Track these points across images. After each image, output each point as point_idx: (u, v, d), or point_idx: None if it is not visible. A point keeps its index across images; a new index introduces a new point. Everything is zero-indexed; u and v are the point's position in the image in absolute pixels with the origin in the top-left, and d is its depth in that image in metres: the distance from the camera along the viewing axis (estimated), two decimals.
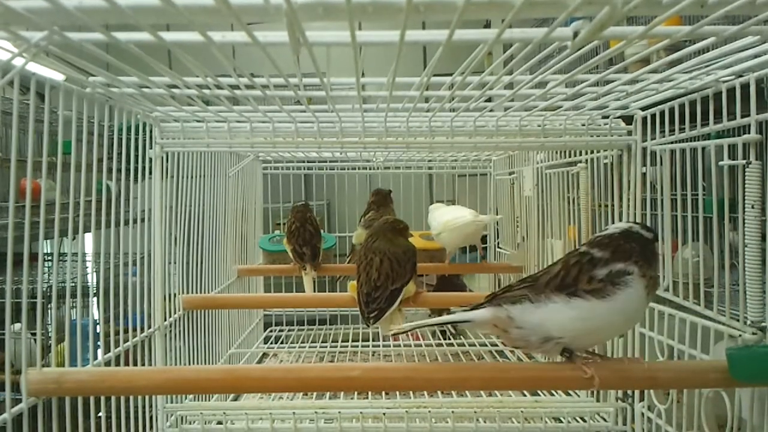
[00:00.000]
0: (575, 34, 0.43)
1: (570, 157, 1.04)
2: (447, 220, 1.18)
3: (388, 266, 0.89)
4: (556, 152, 1.10)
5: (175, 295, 0.97)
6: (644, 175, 0.82)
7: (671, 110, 0.73)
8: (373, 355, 1.36)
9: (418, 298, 0.96)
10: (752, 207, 0.59)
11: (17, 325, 1.33)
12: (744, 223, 0.60)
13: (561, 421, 0.91)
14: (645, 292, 0.53)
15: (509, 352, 1.33)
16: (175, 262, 0.98)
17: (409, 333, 1.53)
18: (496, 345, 1.39)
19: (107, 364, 0.73)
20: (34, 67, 0.51)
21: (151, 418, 0.86)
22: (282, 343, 1.49)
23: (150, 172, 0.85)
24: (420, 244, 1.41)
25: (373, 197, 1.38)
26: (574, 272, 0.53)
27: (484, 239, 1.61)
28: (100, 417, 0.69)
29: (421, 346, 1.38)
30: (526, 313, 0.54)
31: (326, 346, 1.42)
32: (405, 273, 0.90)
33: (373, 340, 1.42)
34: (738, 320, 0.61)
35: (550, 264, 0.59)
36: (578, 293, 0.52)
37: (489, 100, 0.77)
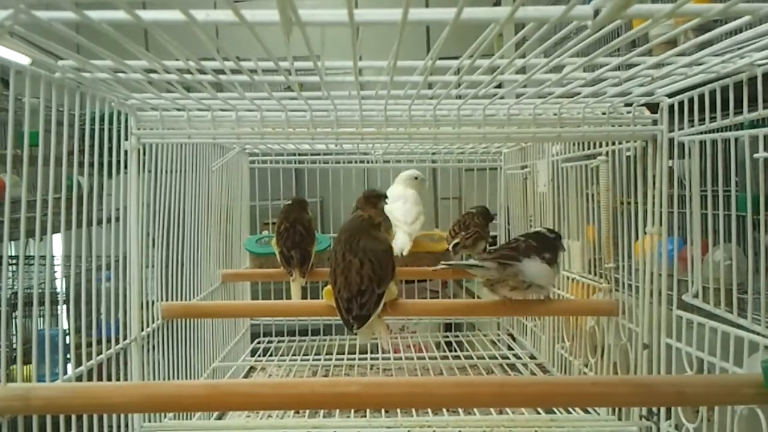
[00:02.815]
0: (596, 13, 0.43)
1: (589, 149, 1.04)
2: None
3: (369, 268, 0.88)
4: (574, 144, 1.10)
5: (153, 302, 0.97)
6: (671, 169, 0.82)
7: (701, 97, 0.73)
8: (371, 368, 1.36)
9: (396, 306, 0.95)
10: None
11: None
12: None
13: None
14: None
15: (522, 366, 1.34)
16: (153, 266, 0.98)
17: (412, 345, 1.54)
18: (507, 358, 1.39)
19: (78, 378, 0.72)
20: None
21: None
22: (271, 355, 1.49)
23: (125, 166, 0.85)
24: (423, 246, 1.41)
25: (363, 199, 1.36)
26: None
27: (493, 240, 1.61)
28: None
29: (424, 358, 1.38)
30: (525, 266, 0.89)
31: (320, 359, 1.42)
32: (387, 274, 0.90)
33: (372, 353, 1.42)
34: None
35: (511, 239, 0.97)
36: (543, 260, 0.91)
37: (499, 86, 0.77)
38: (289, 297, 1.52)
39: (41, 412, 0.60)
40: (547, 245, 0.93)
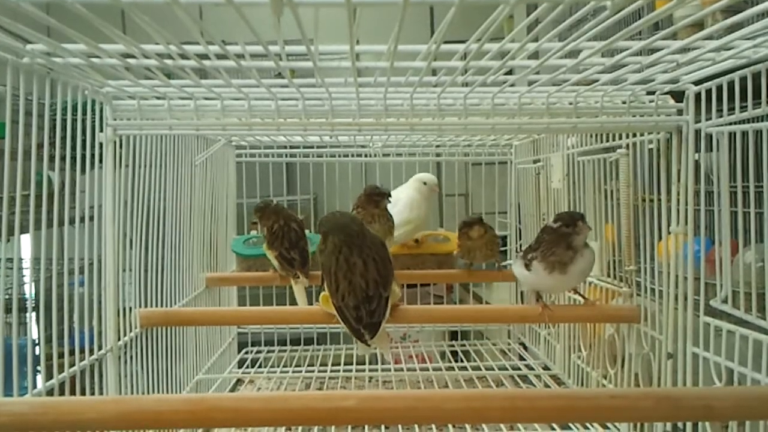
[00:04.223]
0: None
1: (608, 141, 1.04)
2: None
3: (374, 270, 0.87)
4: (591, 135, 1.10)
5: (130, 309, 0.97)
6: (697, 162, 0.82)
7: (730, 85, 0.73)
8: (370, 380, 1.36)
9: (397, 312, 0.93)
10: None
11: None
12: None
13: None
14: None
15: (534, 378, 1.34)
16: (130, 270, 0.98)
17: (414, 355, 1.54)
18: (519, 369, 1.39)
19: (49, 393, 0.72)
20: None
21: None
22: (260, 367, 1.50)
23: (100, 160, 0.85)
24: (427, 248, 1.41)
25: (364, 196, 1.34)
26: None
27: (503, 241, 1.61)
28: None
29: (428, 369, 1.39)
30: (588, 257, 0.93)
31: (314, 371, 1.42)
32: (390, 274, 0.89)
33: (370, 364, 1.43)
34: None
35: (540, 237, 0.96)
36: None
37: (510, 72, 0.77)
38: (278, 302, 1.53)
39: (8, 430, 0.60)
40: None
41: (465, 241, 1.24)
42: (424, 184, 1.42)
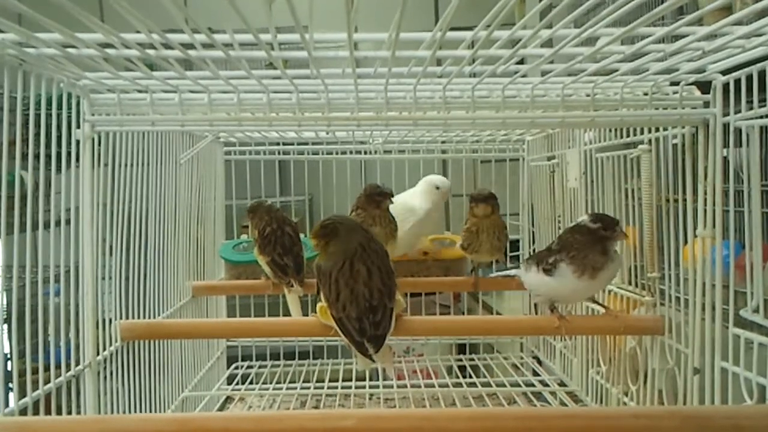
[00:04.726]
0: None
1: (628, 136, 1.04)
2: None
3: (378, 278, 0.87)
4: (610, 130, 1.10)
5: (110, 321, 0.97)
6: (726, 159, 0.82)
7: (761, 74, 0.73)
8: (370, 398, 1.36)
9: (401, 323, 0.92)
10: None
11: None
12: None
13: None
14: None
15: (549, 395, 1.34)
16: (110, 278, 0.98)
17: (419, 370, 1.54)
18: (533, 385, 1.39)
19: (22, 412, 0.72)
20: None
21: None
22: (251, 383, 1.50)
23: (77, 159, 0.85)
24: (432, 253, 1.41)
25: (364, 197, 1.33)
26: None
27: (514, 245, 1.61)
28: None
29: (433, 386, 1.39)
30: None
31: (309, 387, 1.42)
32: (394, 283, 0.89)
33: (371, 380, 1.43)
34: None
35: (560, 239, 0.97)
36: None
37: (522, 62, 0.77)
38: (271, 313, 1.53)
39: None
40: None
41: (470, 218, 1.23)
42: (437, 188, 1.38)
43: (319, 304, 0.92)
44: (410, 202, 1.36)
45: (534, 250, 1.56)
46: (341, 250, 0.88)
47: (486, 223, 1.21)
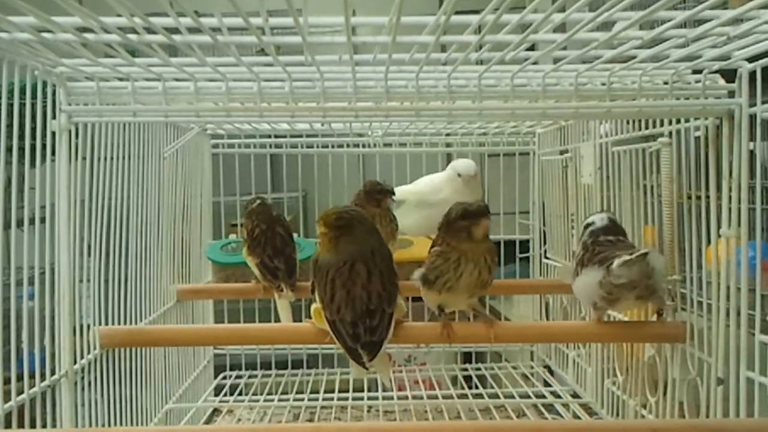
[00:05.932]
0: None
1: (647, 128, 1.04)
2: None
3: (378, 281, 0.87)
4: (628, 122, 1.10)
5: (89, 327, 0.97)
6: (752, 153, 0.82)
7: None
8: (369, 411, 1.36)
9: (400, 330, 0.92)
10: None
11: None
12: None
13: None
14: None
15: (562, 407, 1.34)
16: (88, 281, 0.98)
17: (421, 380, 1.54)
18: (544, 396, 1.39)
19: None
20: None
21: None
22: (240, 394, 1.50)
23: (53, 153, 0.85)
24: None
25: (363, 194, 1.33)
26: None
27: (523, 246, 1.61)
28: None
29: (437, 397, 1.39)
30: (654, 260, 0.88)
31: (303, 399, 1.42)
32: (396, 287, 0.89)
33: (369, 390, 1.43)
34: None
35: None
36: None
37: (532, 48, 0.77)
38: (262, 319, 1.53)
39: None
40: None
41: (456, 245, 0.90)
42: (459, 175, 1.35)
43: (313, 306, 0.92)
44: (426, 188, 1.38)
45: (545, 252, 1.56)
46: (350, 250, 0.87)
47: (474, 249, 0.90)
